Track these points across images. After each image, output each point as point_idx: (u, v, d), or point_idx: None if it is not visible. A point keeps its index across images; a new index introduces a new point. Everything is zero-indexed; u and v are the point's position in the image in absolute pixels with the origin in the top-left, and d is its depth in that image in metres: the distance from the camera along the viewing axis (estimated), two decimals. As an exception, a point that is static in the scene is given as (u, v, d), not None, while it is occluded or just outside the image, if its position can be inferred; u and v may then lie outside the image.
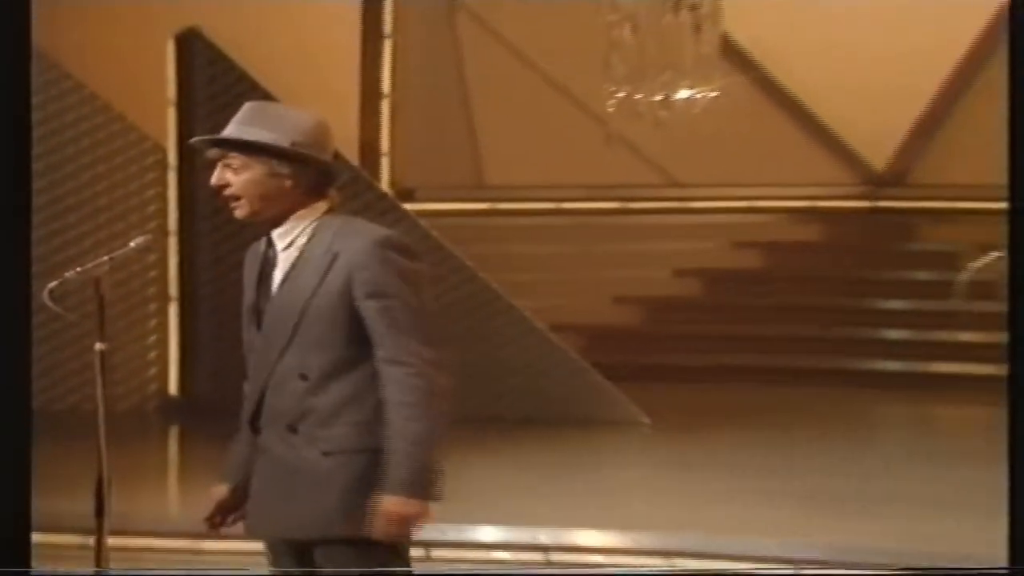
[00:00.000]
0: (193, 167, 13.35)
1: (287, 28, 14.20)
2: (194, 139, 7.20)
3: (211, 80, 13.53)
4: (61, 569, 7.50)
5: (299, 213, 6.27)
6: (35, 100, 12.30)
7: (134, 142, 13.59)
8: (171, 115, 13.21)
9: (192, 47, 13.60)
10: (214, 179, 6.21)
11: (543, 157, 14.51)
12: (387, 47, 15.58)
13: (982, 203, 14.19)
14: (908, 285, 14.55)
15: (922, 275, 14.42)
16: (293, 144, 6.23)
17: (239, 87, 13.26)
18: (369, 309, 6.16)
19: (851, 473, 11.63)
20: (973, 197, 14.53)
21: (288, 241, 6.38)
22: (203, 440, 11.88)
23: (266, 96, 11.93)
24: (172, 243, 13.12)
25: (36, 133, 12.03)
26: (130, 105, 13.60)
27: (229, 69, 13.48)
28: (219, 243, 12.82)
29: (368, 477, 6.12)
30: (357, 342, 6.24)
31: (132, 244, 6.68)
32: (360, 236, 6.27)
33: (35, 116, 12.27)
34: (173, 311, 13.21)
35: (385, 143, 14.78)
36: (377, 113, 15.03)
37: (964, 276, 4.99)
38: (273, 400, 6.31)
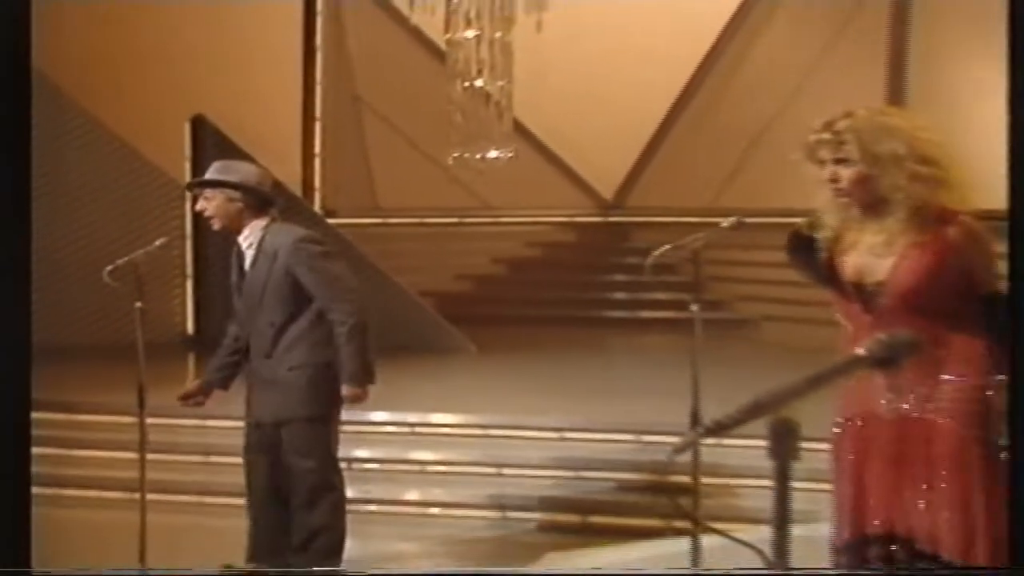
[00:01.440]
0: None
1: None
2: (187, 183, 8.05)
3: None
4: (61, 569, 5.76)
5: (251, 224, 7.05)
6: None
7: (160, 178, 12.96)
8: (187, 167, 12.59)
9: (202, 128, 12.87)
10: (197, 206, 7.21)
11: (412, 189, 14.72)
12: (318, 104, 15.14)
13: (673, 217, 14.09)
14: (625, 266, 14.76)
15: (632, 260, 13.89)
16: (240, 183, 7.03)
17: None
18: (304, 277, 6.98)
19: (597, 378, 11.71)
20: (669, 213, 14.52)
21: (248, 243, 7.10)
22: (207, 361, 12.42)
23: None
24: (189, 244, 12.92)
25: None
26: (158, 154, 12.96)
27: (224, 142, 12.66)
28: (215, 242, 11.68)
29: (316, 380, 7.05)
30: (300, 301, 7.02)
31: (156, 243, 7.43)
32: (288, 236, 7.06)
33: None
34: (189, 284, 13.04)
35: (317, 181, 14.78)
36: (312, 158, 14.90)
37: (650, 260, 5.35)
38: (254, 341, 7.13)
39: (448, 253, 14.86)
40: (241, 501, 7.72)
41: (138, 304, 7.09)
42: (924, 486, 5.28)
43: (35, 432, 9.36)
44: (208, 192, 7.18)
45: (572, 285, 15.30)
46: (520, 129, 14.06)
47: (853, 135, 5.19)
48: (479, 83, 12.62)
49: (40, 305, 12.33)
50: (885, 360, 2.74)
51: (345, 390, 7.05)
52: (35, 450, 9.16)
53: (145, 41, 13.13)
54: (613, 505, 8.75)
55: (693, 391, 5.34)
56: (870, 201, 5.23)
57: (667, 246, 5.84)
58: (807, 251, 5.47)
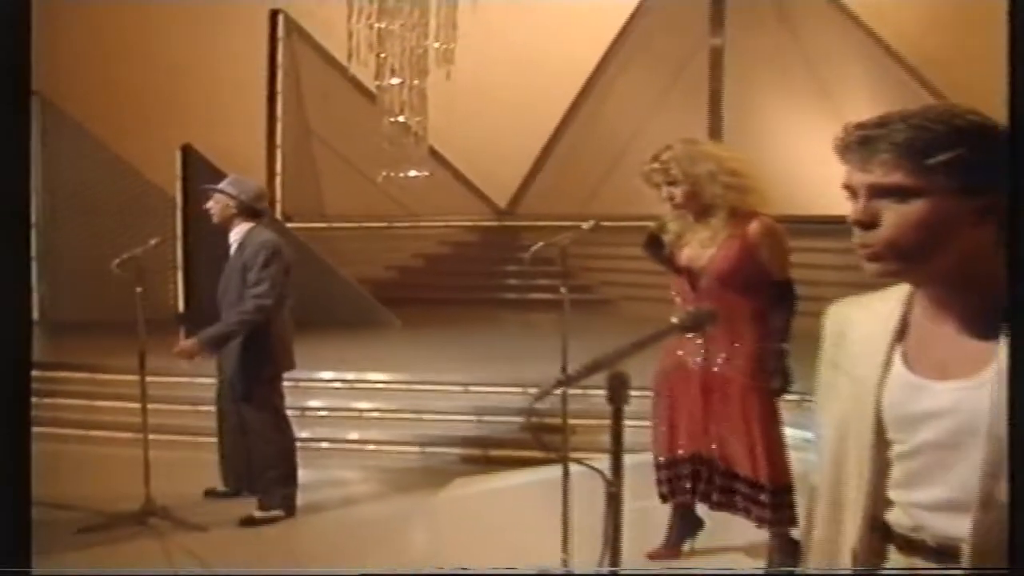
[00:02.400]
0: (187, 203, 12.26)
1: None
2: (201, 187, 7.57)
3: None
4: (61, 569, 5.02)
5: (239, 227, 6.96)
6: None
7: (158, 192, 12.53)
8: (178, 185, 12.30)
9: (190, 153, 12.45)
10: (206, 204, 7.11)
11: (351, 200, 14.56)
12: (279, 134, 14.88)
13: (552, 221, 13.79)
14: (516, 260, 13.57)
15: (520, 255, 13.99)
16: (237, 194, 6.97)
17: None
18: (249, 270, 6.81)
19: (494, 345, 11.61)
20: (549, 218, 13.58)
21: (233, 239, 6.99)
22: (195, 333, 12.26)
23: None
24: (179, 243, 12.40)
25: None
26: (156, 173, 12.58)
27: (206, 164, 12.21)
28: (199, 242, 12.17)
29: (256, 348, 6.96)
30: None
31: (152, 242, 7.29)
32: (256, 239, 6.92)
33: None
34: (179, 274, 12.58)
35: (278, 194, 14.46)
36: (274, 176, 14.62)
37: (529, 254, 5.30)
38: (223, 312, 6.95)
39: (379, 250, 14.69)
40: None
41: (139, 289, 7.06)
42: (719, 421, 5.41)
43: (65, 388, 9.26)
44: (216, 196, 7.11)
45: (474, 274, 15.07)
46: (434, 153, 13.92)
47: (675, 162, 5.38)
48: (402, 119, 12.66)
49: (62, 291, 12.39)
50: (690, 327, 2.75)
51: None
52: (65, 401, 9.19)
53: (147, 84, 12.93)
54: (507, 442, 8.62)
55: (563, 354, 5.34)
56: (698, 209, 5.36)
57: (540, 243, 5.84)
58: (657, 247, 5.57)
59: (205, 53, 13.40)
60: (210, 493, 7.43)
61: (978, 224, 2.07)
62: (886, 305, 2.30)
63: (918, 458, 2.23)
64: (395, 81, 12.37)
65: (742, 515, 5.38)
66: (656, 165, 5.39)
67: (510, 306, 14.13)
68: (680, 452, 5.54)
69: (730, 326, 5.26)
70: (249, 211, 7.07)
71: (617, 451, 2.29)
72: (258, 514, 6.99)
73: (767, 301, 5.29)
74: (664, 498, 5.67)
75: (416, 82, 12.37)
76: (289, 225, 12.80)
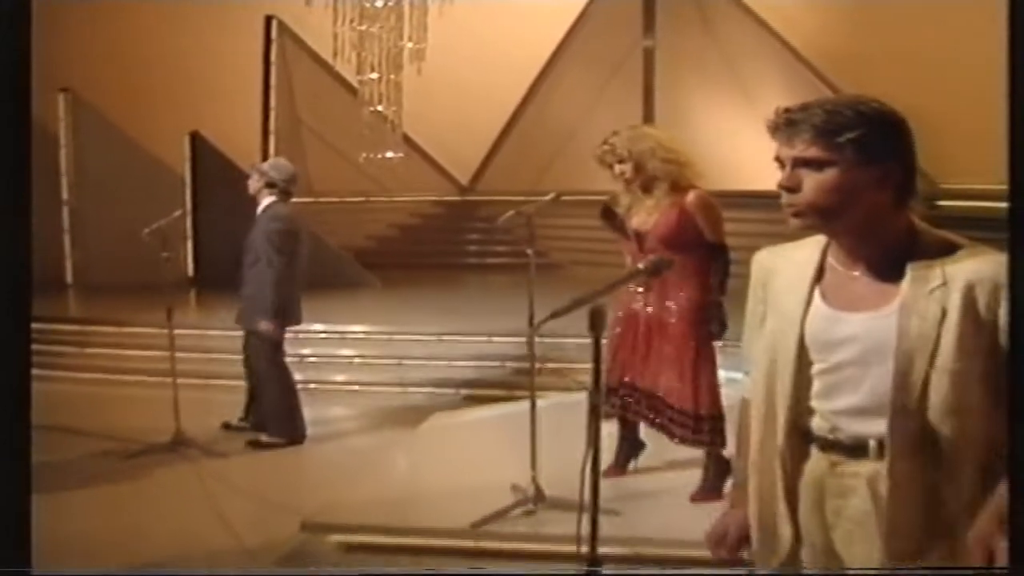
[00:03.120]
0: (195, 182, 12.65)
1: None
2: (251, 165, 7.47)
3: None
4: (61, 569, 4.37)
5: (266, 199, 7.01)
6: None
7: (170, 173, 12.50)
8: (187, 169, 12.38)
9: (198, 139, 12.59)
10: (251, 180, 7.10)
11: (334, 178, 14.41)
12: (272, 122, 14.67)
13: (507, 196, 14.29)
14: (477, 229, 14.75)
15: (480, 225, 14.62)
16: (273, 174, 7.03)
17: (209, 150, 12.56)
18: (261, 237, 6.90)
19: (460, 301, 11.74)
20: (504, 194, 13.22)
21: (259, 209, 7.04)
22: (205, 294, 11.73)
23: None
24: (188, 218, 12.17)
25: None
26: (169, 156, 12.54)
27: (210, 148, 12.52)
28: (205, 217, 12.37)
29: (263, 306, 6.94)
30: (261, 252, 6.94)
31: (175, 213, 7.41)
32: (273, 211, 6.98)
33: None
34: (189, 244, 12.49)
35: None
36: (267, 158, 14.03)
37: (500, 221, 5.20)
38: (245, 273, 7.04)
39: (360, 222, 14.61)
40: (233, 383, 7.78)
41: (164, 254, 7.09)
42: (661, 359, 5.48)
43: (96, 339, 9.33)
44: (256, 172, 7.12)
45: (442, 242, 15.01)
46: (406, 138, 13.89)
47: (621, 143, 5.47)
48: (380, 108, 12.74)
49: (91, 258, 12.32)
50: (652, 272, 2.87)
51: (267, 325, 7.01)
52: (97, 351, 9.24)
53: (161, 81, 12.87)
54: (476, 382, 8.73)
55: (529, 304, 5.35)
56: (644, 183, 5.43)
57: (511, 212, 5.70)
58: (611, 217, 5.60)
59: (210, 53, 13.26)
60: (226, 426, 7.47)
61: (878, 189, 2.26)
62: (803, 252, 2.44)
63: (835, 374, 2.38)
64: (374, 76, 12.43)
65: (678, 437, 5.45)
66: (606, 147, 5.48)
67: (471, 269, 14.12)
68: (626, 380, 5.60)
69: (671, 280, 5.34)
70: (278, 188, 7.07)
71: (596, 370, 2.38)
72: (263, 439, 7.11)
73: (704, 261, 5.37)
74: (613, 418, 5.75)
75: (392, 76, 12.46)
76: (283, 200, 12.69)
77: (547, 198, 5.82)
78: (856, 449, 2.36)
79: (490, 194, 14.99)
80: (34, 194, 3.82)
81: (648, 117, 14.21)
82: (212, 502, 6.00)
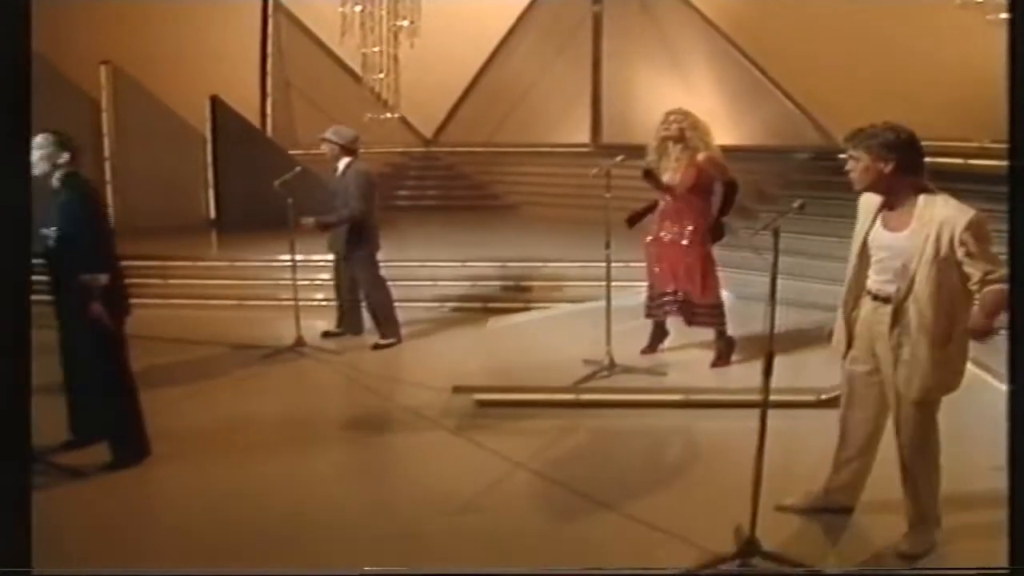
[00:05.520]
0: (216, 139, 12.80)
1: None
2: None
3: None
4: (61, 569, 3.89)
5: (343, 160, 7.77)
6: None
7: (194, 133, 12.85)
8: (208, 127, 12.67)
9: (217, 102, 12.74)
10: (321, 148, 7.75)
11: (318, 133, 14.50)
12: (269, 86, 15.00)
13: (465, 148, 15.17)
14: (438, 176, 15.24)
15: (441, 173, 15.16)
16: (339, 139, 7.73)
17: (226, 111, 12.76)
18: (351, 188, 7.54)
19: (449, 238, 11.78)
20: (464, 145, 15.25)
21: (338, 168, 7.76)
22: (227, 235, 11.97)
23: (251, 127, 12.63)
24: (210, 170, 12.79)
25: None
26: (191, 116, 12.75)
27: (228, 109, 12.78)
28: (225, 168, 12.69)
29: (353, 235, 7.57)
30: (348, 198, 7.60)
31: (297, 169, 7.90)
32: (354, 169, 7.58)
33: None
34: (211, 191, 12.79)
35: (269, 129, 14.67)
36: (265, 116, 14.94)
37: (595, 172, 6.49)
38: (336, 213, 7.61)
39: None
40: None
41: (290, 200, 7.70)
42: (681, 269, 7.07)
43: (140, 271, 8.98)
44: (327, 141, 7.99)
45: (408, 188, 15.25)
46: (378, 98, 14.23)
47: (684, 118, 6.95)
48: (381, 76, 13.68)
49: (130, 204, 13.05)
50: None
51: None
52: (139, 280, 8.56)
53: (183, 52, 13.40)
54: (494, 296, 9.55)
55: (606, 231, 6.58)
56: (682, 144, 6.92)
57: (596, 169, 6.70)
58: (650, 175, 6.99)
59: (221, 28, 14.02)
60: (326, 334, 8.30)
61: (894, 172, 4.09)
62: (876, 199, 4.14)
63: (879, 263, 4.03)
64: (376, 49, 13.41)
65: (695, 323, 7.11)
66: (673, 116, 6.88)
67: (433, 212, 14.38)
68: (656, 287, 7.21)
69: (691, 214, 6.91)
70: (348, 150, 7.99)
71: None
72: (382, 341, 8.15)
73: (709, 200, 6.89)
74: (648, 315, 7.35)
75: (390, 49, 13.46)
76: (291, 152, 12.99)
77: (616, 161, 6.87)
78: (886, 299, 4.02)
79: (450, 146, 15.46)
80: (80, 152, 4.66)
81: (596, 80, 14.94)
82: (355, 383, 6.97)
